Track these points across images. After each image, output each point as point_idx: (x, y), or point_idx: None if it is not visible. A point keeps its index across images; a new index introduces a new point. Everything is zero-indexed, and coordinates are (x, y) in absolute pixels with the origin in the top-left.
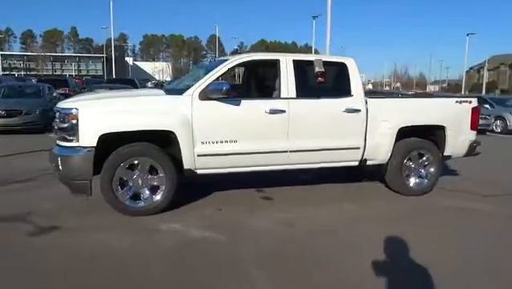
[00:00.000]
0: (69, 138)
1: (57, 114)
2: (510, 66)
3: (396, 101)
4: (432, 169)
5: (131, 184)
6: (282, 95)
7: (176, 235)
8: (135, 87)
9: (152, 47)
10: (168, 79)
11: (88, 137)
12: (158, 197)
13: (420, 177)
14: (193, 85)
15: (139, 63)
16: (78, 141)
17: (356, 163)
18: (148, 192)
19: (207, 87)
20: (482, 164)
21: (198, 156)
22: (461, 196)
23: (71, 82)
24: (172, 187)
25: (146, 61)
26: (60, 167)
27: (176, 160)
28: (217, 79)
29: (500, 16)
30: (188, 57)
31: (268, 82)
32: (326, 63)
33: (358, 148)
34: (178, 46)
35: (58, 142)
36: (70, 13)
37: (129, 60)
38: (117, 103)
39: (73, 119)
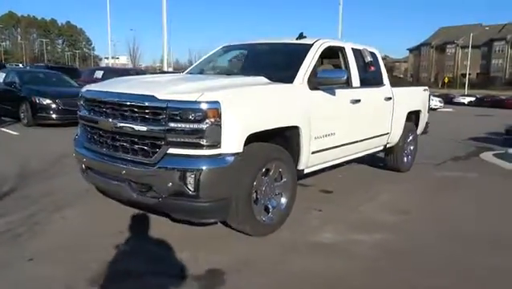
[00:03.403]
0: (206, 143)
1: (167, 110)
2: None
3: (405, 90)
4: (412, 147)
5: (260, 195)
6: (353, 85)
7: (358, 244)
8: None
9: None
10: None
11: (235, 140)
12: (283, 206)
13: (407, 155)
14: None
15: None
16: (220, 147)
17: (382, 148)
18: (274, 202)
19: (316, 74)
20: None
21: (312, 153)
22: (443, 167)
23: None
24: (294, 193)
25: None
26: (191, 186)
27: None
28: (314, 66)
29: None
30: None
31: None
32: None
33: (388, 133)
34: None
35: (175, 150)
36: None
37: None
38: (256, 92)
39: (213, 116)
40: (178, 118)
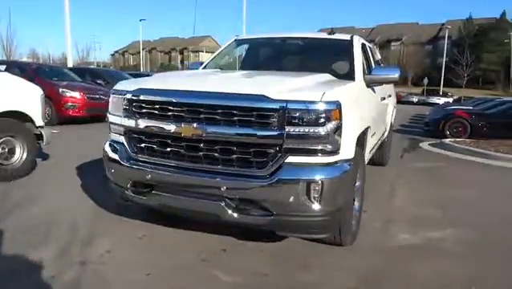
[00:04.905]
0: (328, 149)
1: (285, 112)
2: (149, 51)
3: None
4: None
5: None
6: None
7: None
8: None
9: None
10: None
11: (350, 145)
12: (358, 211)
13: (389, 149)
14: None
15: None
16: (339, 153)
17: (380, 141)
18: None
19: (371, 72)
20: None
21: (369, 151)
22: (408, 159)
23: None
24: (363, 196)
25: None
26: (315, 199)
27: None
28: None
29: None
30: None
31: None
32: None
33: (386, 129)
34: None
35: (294, 159)
36: None
37: None
38: (355, 91)
39: (336, 119)
40: (298, 121)
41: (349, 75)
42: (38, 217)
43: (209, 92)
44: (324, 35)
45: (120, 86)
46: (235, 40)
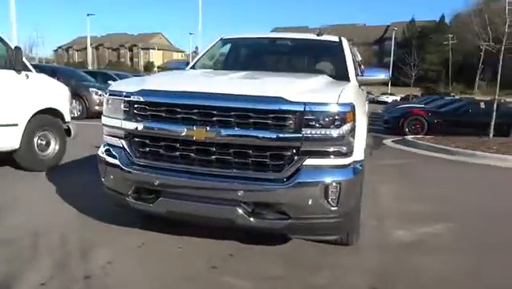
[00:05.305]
0: (344, 151)
1: (304, 114)
2: (96, 47)
3: None
4: None
5: None
6: None
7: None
8: None
9: None
10: None
11: (361, 146)
12: None
13: None
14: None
15: None
16: (352, 155)
17: None
18: None
19: (362, 73)
20: None
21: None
22: (377, 156)
23: None
24: None
25: None
26: (333, 201)
27: None
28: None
29: None
30: None
31: None
32: None
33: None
34: None
35: (311, 161)
36: None
37: None
38: (358, 93)
39: (351, 120)
40: (316, 123)
41: (344, 76)
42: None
43: (223, 94)
44: (313, 36)
45: (118, 87)
46: (221, 39)
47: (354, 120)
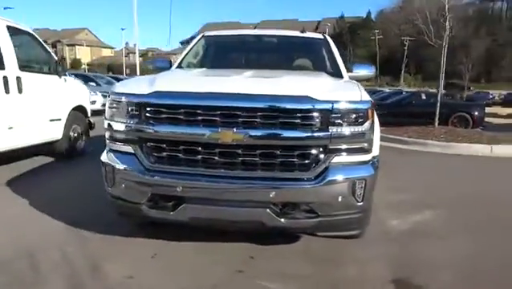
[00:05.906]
0: (366, 148)
1: (331, 113)
2: None
3: None
4: None
5: None
6: None
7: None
8: None
9: None
10: None
11: (377, 142)
12: None
13: None
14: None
15: None
16: (372, 151)
17: None
18: None
19: (352, 69)
20: None
21: None
22: None
23: None
24: None
25: None
26: (359, 197)
27: None
28: None
29: None
30: None
31: None
32: None
33: None
34: None
35: (338, 159)
36: None
37: None
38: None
39: (371, 117)
40: (342, 121)
41: (338, 74)
42: None
43: (249, 94)
44: (298, 33)
45: (125, 88)
46: (204, 36)
47: (373, 117)
